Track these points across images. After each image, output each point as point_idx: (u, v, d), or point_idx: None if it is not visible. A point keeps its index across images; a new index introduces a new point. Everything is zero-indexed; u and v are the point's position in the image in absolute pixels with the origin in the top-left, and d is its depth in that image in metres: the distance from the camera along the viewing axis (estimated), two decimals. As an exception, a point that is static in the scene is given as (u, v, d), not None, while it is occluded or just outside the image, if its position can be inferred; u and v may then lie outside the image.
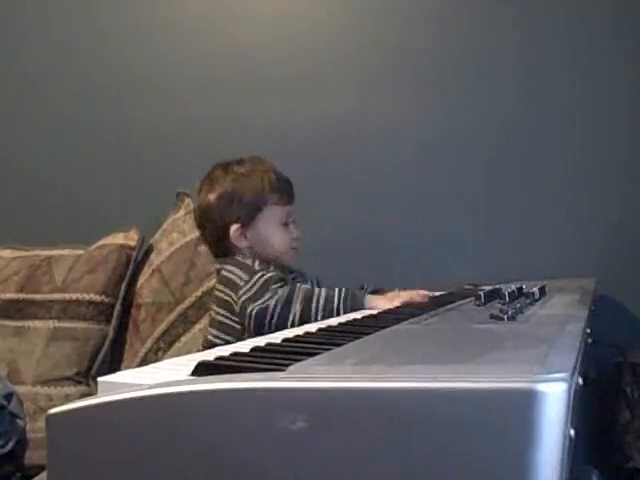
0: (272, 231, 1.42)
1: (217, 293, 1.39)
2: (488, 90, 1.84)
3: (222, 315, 1.36)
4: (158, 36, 2.03)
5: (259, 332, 1.25)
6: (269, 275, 1.32)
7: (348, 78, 1.91)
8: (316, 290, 1.29)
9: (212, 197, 1.43)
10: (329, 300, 1.27)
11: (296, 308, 1.25)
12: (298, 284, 1.33)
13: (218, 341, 1.33)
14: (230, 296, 1.34)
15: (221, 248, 1.44)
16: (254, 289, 1.29)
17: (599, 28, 1.79)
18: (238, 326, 1.33)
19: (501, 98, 1.83)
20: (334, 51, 1.93)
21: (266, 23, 1.96)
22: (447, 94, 1.86)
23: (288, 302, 1.26)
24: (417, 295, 1.28)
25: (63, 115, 2.06)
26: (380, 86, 1.89)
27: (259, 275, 1.32)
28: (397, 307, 1.22)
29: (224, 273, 1.38)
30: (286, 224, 1.43)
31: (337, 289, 1.30)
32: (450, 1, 1.88)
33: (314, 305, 1.26)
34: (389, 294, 1.35)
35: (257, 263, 1.37)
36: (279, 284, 1.29)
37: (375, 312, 1.20)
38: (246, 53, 1.97)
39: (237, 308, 1.31)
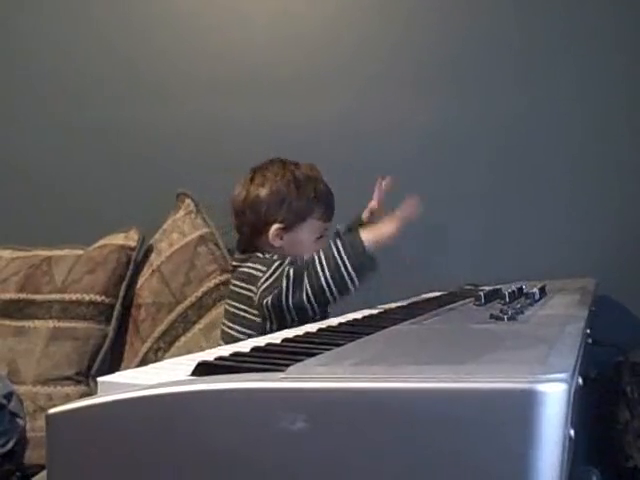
0: (307, 242, 1.42)
1: (234, 288, 1.40)
2: (488, 90, 1.84)
3: (241, 310, 1.37)
4: (159, 36, 2.03)
5: (281, 319, 1.27)
6: (286, 261, 1.32)
7: (347, 78, 1.91)
8: (315, 255, 1.29)
9: (264, 191, 1.42)
10: (330, 258, 1.26)
11: (305, 282, 1.25)
12: (305, 257, 1.33)
13: (240, 335, 1.34)
14: (250, 290, 1.34)
15: (253, 242, 1.44)
16: (271, 279, 1.30)
17: (599, 27, 1.79)
18: (258, 319, 1.33)
19: (501, 99, 1.83)
20: (334, 51, 1.93)
21: (265, 23, 1.96)
22: (446, 95, 1.85)
23: (299, 276, 1.26)
24: (409, 212, 1.29)
25: (63, 115, 2.06)
26: (379, 86, 1.89)
27: (277, 264, 1.32)
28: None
29: (244, 269, 1.38)
30: (320, 237, 1.43)
31: (332, 244, 1.29)
32: (450, 0, 1.88)
33: (319, 269, 1.25)
34: (383, 219, 1.35)
35: (275, 256, 1.37)
36: (289, 266, 1.29)
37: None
38: (246, 53, 1.97)
39: (256, 299, 1.31)
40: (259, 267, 1.34)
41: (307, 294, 1.25)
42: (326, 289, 1.24)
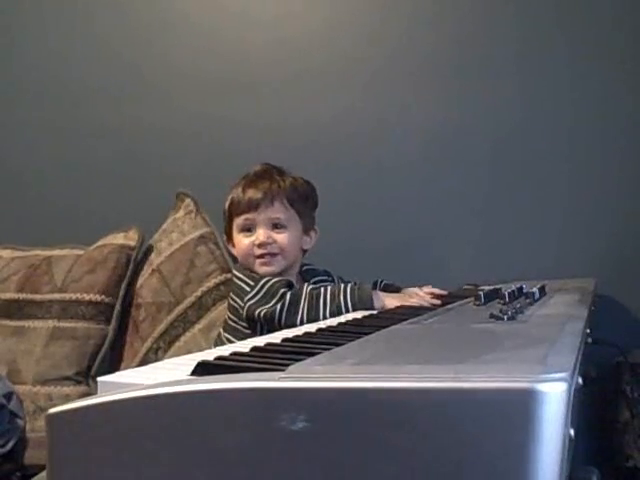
0: (236, 240, 1.44)
1: (229, 299, 1.42)
2: (489, 90, 1.84)
3: (233, 321, 1.40)
4: (159, 37, 2.03)
5: (272, 332, 1.27)
6: (275, 280, 1.33)
7: (347, 78, 1.91)
8: (322, 288, 1.31)
9: None
10: (335, 296, 1.28)
11: (303, 308, 1.27)
12: (305, 284, 1.34)
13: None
14: (237, 302, 1.36)
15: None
16: (259, 294, 1.32)
17: (600, 27, 1.79)
18: (248, 331, 1.35)
19: (501, 98, 1.83)
20: (333, 51, 1.93)
21: (265, 23, 1.96)
22: (447, 94, 1.85)
23: (295, 303, 1.28)
24: (430, 299, 1.27)
25: (63, 116, 2.06)
26: (379, 86, 1.89)
27: (264, 281, 1.33)
28: (408, 307, 1.22)
29: (234, 279, 1.41)
30: (248, 230, 1.42)
31: (343, 284, 1.32)
32: (449, 0, 1.88)
33: (321, 302, 1.28)
34: (406, 290, 1.35)
35: (256, 275, 1.39)
36: (286, 289, 1.31)
37: (380, 310, 1.22)
38: (246, 53, 1.97)
39: (243, 313, 1.33)
40: (248, 281, 1.36)
41: (301, 319, 1.27)
42: (321, 319, 1.26)
